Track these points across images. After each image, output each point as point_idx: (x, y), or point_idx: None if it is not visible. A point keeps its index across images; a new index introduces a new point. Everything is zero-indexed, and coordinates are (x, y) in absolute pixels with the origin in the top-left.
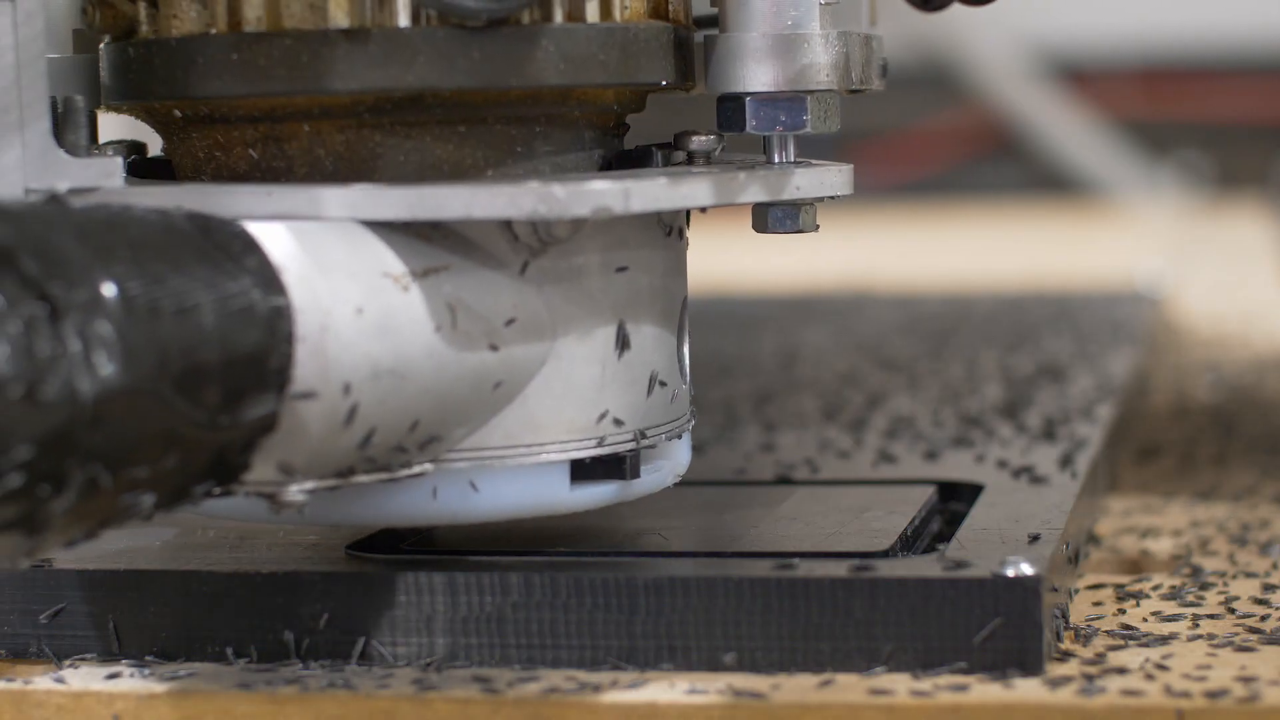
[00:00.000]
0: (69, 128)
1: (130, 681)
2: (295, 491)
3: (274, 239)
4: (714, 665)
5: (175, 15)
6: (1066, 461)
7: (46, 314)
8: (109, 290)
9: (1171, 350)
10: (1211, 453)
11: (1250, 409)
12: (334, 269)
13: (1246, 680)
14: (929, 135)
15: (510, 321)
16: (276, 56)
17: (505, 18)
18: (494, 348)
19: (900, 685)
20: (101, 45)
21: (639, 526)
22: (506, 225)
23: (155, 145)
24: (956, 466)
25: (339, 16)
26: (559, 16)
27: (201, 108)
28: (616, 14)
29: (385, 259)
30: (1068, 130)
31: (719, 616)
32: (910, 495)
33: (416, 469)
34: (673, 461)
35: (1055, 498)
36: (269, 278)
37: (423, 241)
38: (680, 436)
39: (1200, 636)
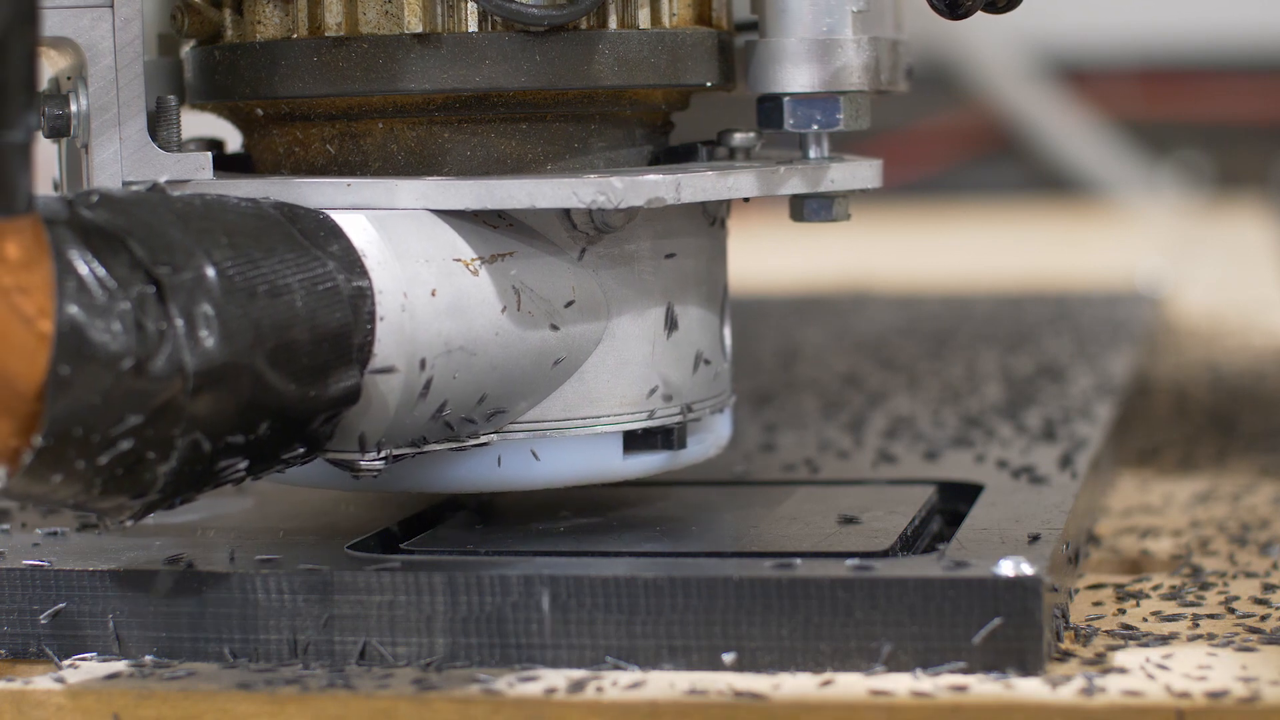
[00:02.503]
0: (162, 125)
1: (130, 681)
2: (373, 459)
3: (356, 226)
4: (714, 665)
5: (259, 21)
6: (1066, 461)
7: (154, 294)
8: (210, 272)
9: (1171, 350)
10: (1211, 453)
11: (1250, 409)
12: (410, 254)
13: (1246, 680)
14: (929, 135)
15: (569, 303)
16: (354, 59)
17: (565, 24)
18: (554, 327)
19: (900, 685)
20: (187, 48)
21: (638, 526)
22: (566, 214)
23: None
24: (956, 466)
25: (413, 22)
26: (613, 23)
27: (283, 106)
28: (666, 20)
29: (456, 245)
30: (1068, 130)
31: (719, 616)
32: (910, 495)
33: (483, 439)
34: (715, 434)
35: (1055, 498)
36: (352, 262)
37: (489, 229)
38: (722, 411)
39: (1200, 636)
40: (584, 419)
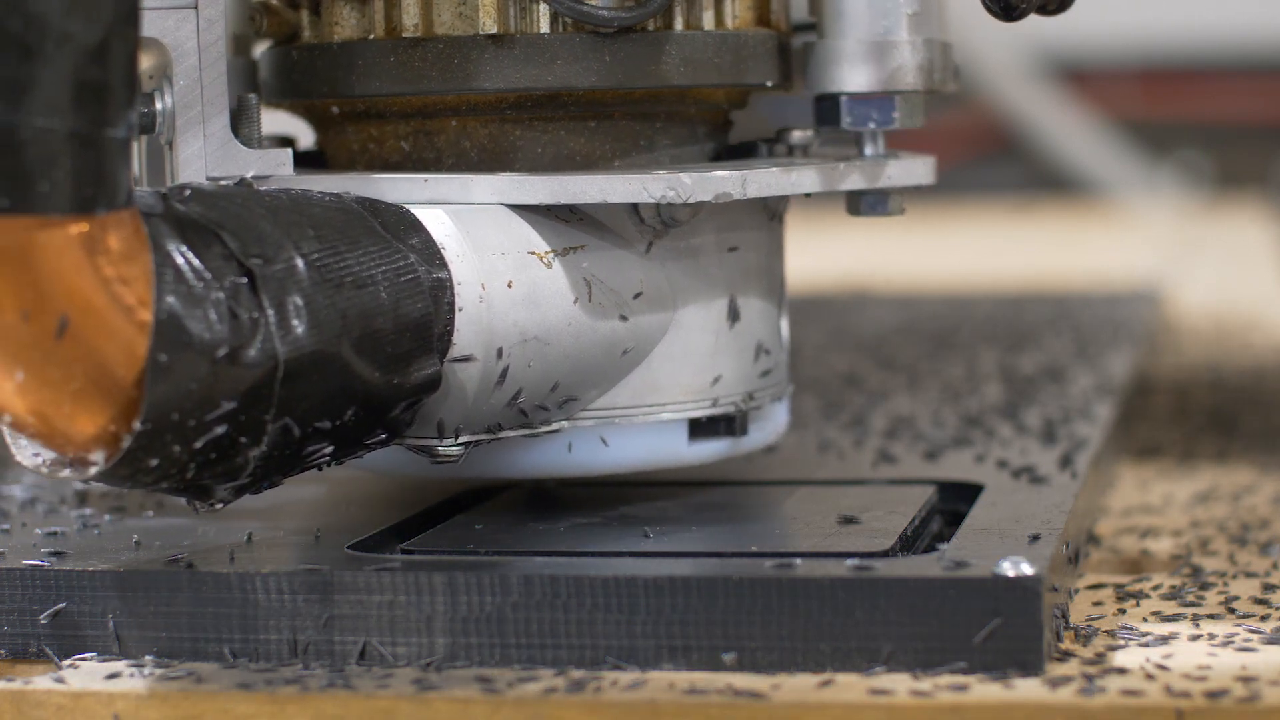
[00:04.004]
0: (243, 122)
1: (130, 681)
2: (451, 445)
3: (435, 220)
4: (714, 665)
5: (336, 22)
6: (1066, 461)
7: (247, 284)
8: (300, 263)
9: (1171, 350)
10: (1211, 453)
11: (1250, 409)
12: (487, 247)
13: (1246, 680)
14: (929, 135)
15: (637, 295)
16: (430, 59)
17: (634, 25)
18: (624, 318)
19: (900, 685)
20: (262, 49)
21: (638, 526)
22: (634, 209)
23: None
24: (956, 466)
25: (487, 23)
26: (679, 24)
27: (359, 105)
28: (729, 22)
29: (530, 239)
30: (1068, 130)
31: (719, 616)
32: (910, 495)
33: (554, 426)
34: (774, 422)
35: (1055, 498)
36: (432, 254)
37: (561, 223)
38: (780, 399)
39: (1200, 636)
40: (650, 406)
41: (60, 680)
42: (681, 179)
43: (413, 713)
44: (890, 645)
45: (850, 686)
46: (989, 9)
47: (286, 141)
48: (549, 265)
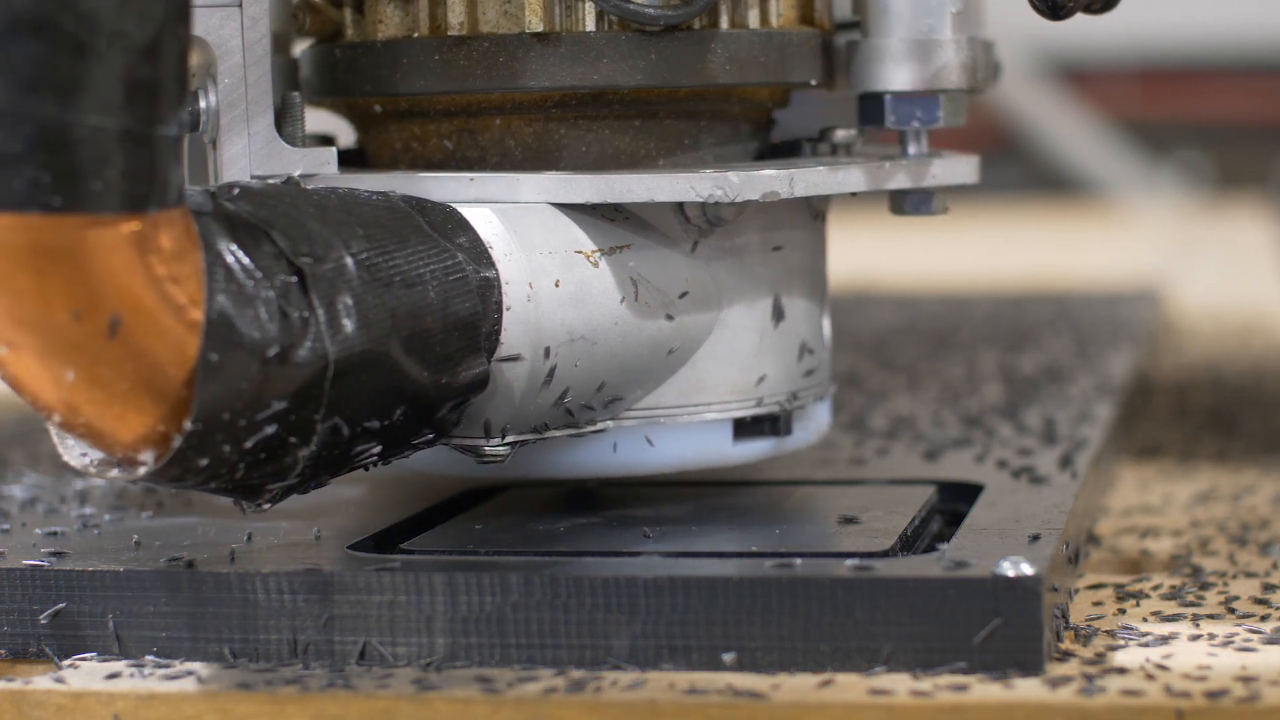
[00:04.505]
0: (287, 121)
1: (130, 681)
2: (498, 445)
3: (482, 219)
4: (714, 665)
5: (380, 21)
6: (1066, 461)
7: (297, 284)
8: (349, 262)
9: (1171, 350)
10: (1211, 453)
11: (1250, 409)
12: (535, 246)
13: (1246, 680)
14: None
15: (683, 294)
16: (475, 58)
17: (680, 24)
18: (669, 317)
19: (900, 685)
20: (303, 47)
21: (638, 526)
22: (679, 208)
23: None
24: (956, 466)
25: (533, 21)
26: (725, 23)
27: (402, 103)
28: (773, 20)
29: (577, 238)
30: (1068, 130)
31: (719, 616)
32: (910, 495)
33: (599, 425)
34: (817, 421)
35: (1055, 498)
36: (479, 253)
37: (607, 222)
38: (823, 399)
39: (1200, 636)
40: (695, 406)
41: (60, 680)
42: (729, 178)
43: (413, 713)
44: (890, 645)
45: (850, 686)
46: (1036, 8)
47: (326, 140)
48: (596, 264)
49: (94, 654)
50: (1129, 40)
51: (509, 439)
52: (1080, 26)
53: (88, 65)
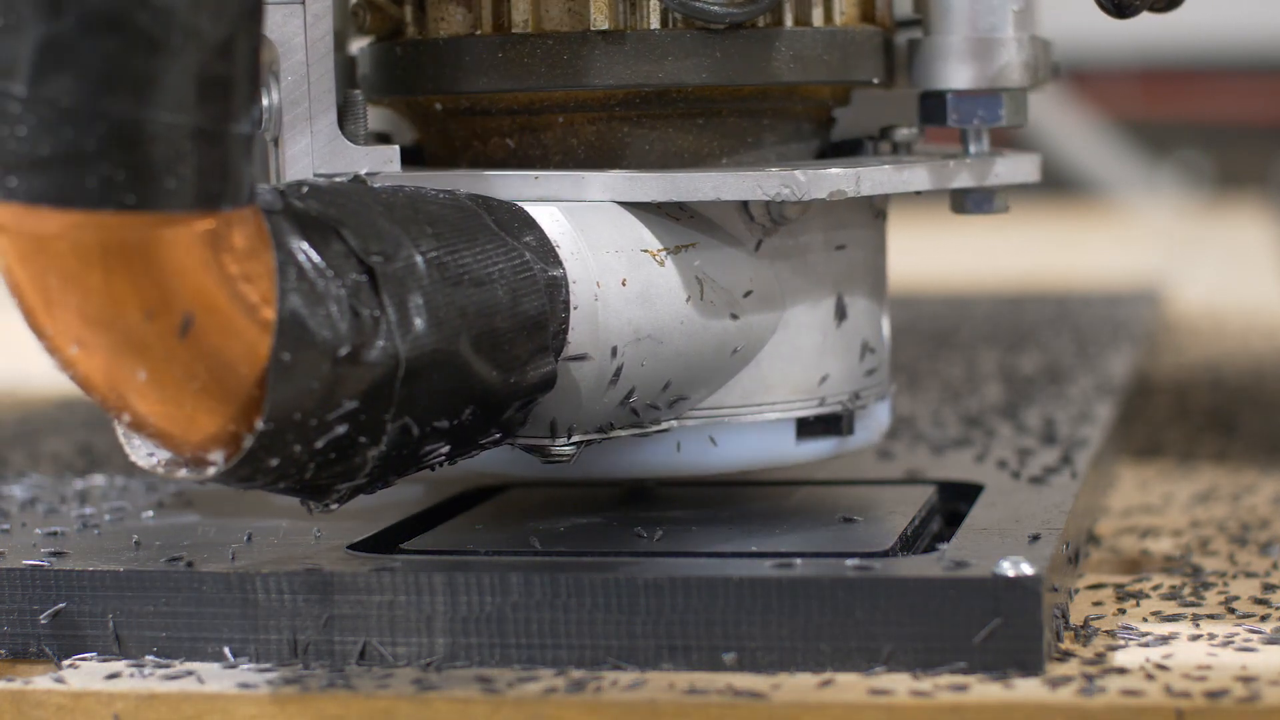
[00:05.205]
0: (349, 119)
1: (130, 681)
2: (564, 445)
3: (549, 218)
4: (714, 665)
5: (442, 18)
6: (1066, 461)
7: (368, 282)
8: (419, 261)
9: (1171, 350)
10: (1211, 453)
11: (1250, 409)
12: (601, 245)
13: (1246, 680)
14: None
15: (748, 293)
16: (539, 55)
17: (744, 21)
18: (734, 316)
19: (900, 685)
20: (362, 45)
21: (637, 526)
22: (744, 207)
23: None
24: (956, 466)
25: (599, 19)
26: (789, 21)
27: (463, 101)
28: (836, 18)
29: (643, 236)
30: (1068, 130)
31: (719, 616)
32: (910, 495)
33: (664, 425)
34: (877, 421)
35: (1055, 498)
36: (546, 252)
37: (672, 221)
38: (883, 399)
39: (1200, 636)
40: (758, 406)
41: (60, 680)
42: (796, 176)
43: (413, 713)
44: (890, 645)
45: (850, 686)
46: (1102, 7)
47: (383, 138)
48: (662, 263)
49: (94, 654)
50: (1129, 40)
51: (575, 439)
52: (1081, 27)
53: (162, 62)
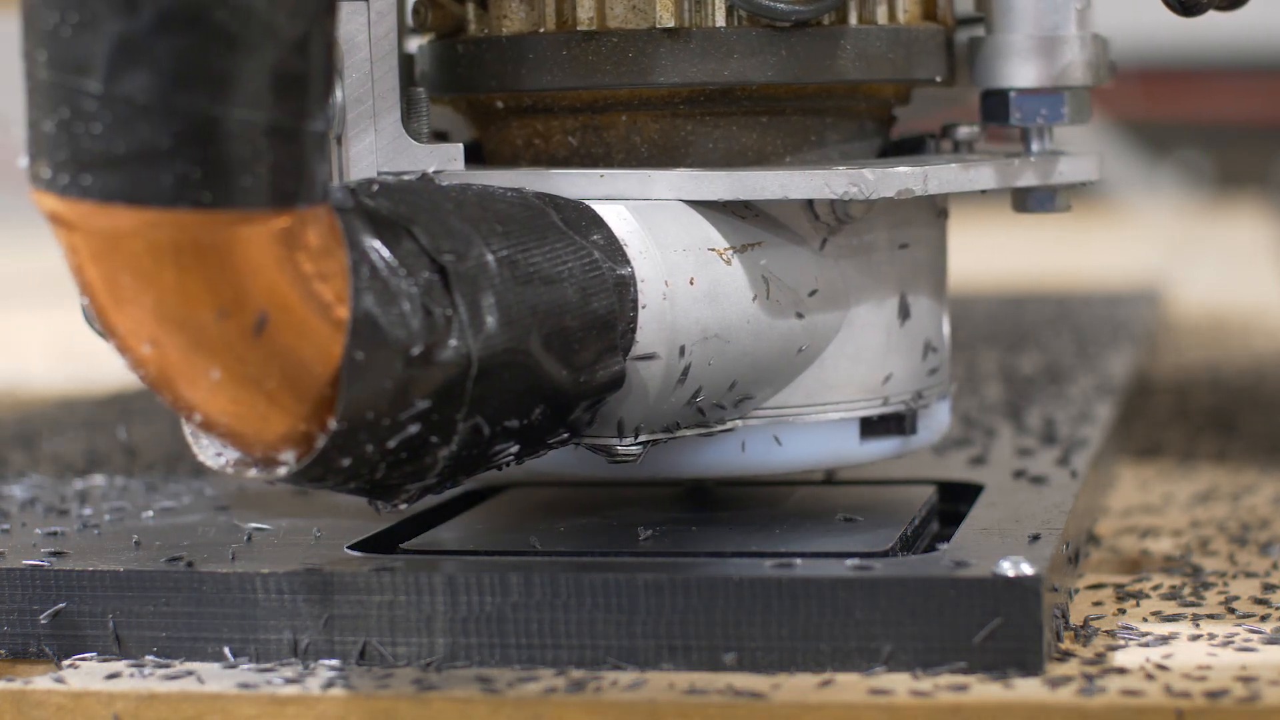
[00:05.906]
0: (412, 116)
1: (130, 681)
2: (630, 444)
3: (616, 216)
4: (714, 665)
5: (505, 16)
6: (1066, 461)
7: (439, 281)
8: (490, 259)
9: (1171, 350)
10: (1211, 453)
11: (1250, 409)
12: (669, 244)
13: (1246, 680)
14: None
15: (813, 292)
16: (604, 53)
17: (810, 19)
18: (799, 316)
19: (900, 685)
20: (422, 43)
21: (637, 526)
22: (809, 205)
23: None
24: (956, 466)
25: (664, 17)
26: (853, 19)
27: (525, 99)
28: (900, 17)
29: (710, 235)
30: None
31: (719, 616)
32: (910, 495)
33: (729, 424)
34: (939, 420)
35: (1055, 498)
36: (614, 250)
37: (738, 220)
38: (944, 398)
39: (1200, 636)
40: (822, 405)
41: (60, 680)
42: (864, 174)
43: (413, 713)
44: (890, 645)
45: (850, 686)
46: (1169, 5)
47: (442, 136)
48: (729, 262)
49: (94, 654)
50: (1129, 40)
51: (641, 438)
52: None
53: (239, 59)
